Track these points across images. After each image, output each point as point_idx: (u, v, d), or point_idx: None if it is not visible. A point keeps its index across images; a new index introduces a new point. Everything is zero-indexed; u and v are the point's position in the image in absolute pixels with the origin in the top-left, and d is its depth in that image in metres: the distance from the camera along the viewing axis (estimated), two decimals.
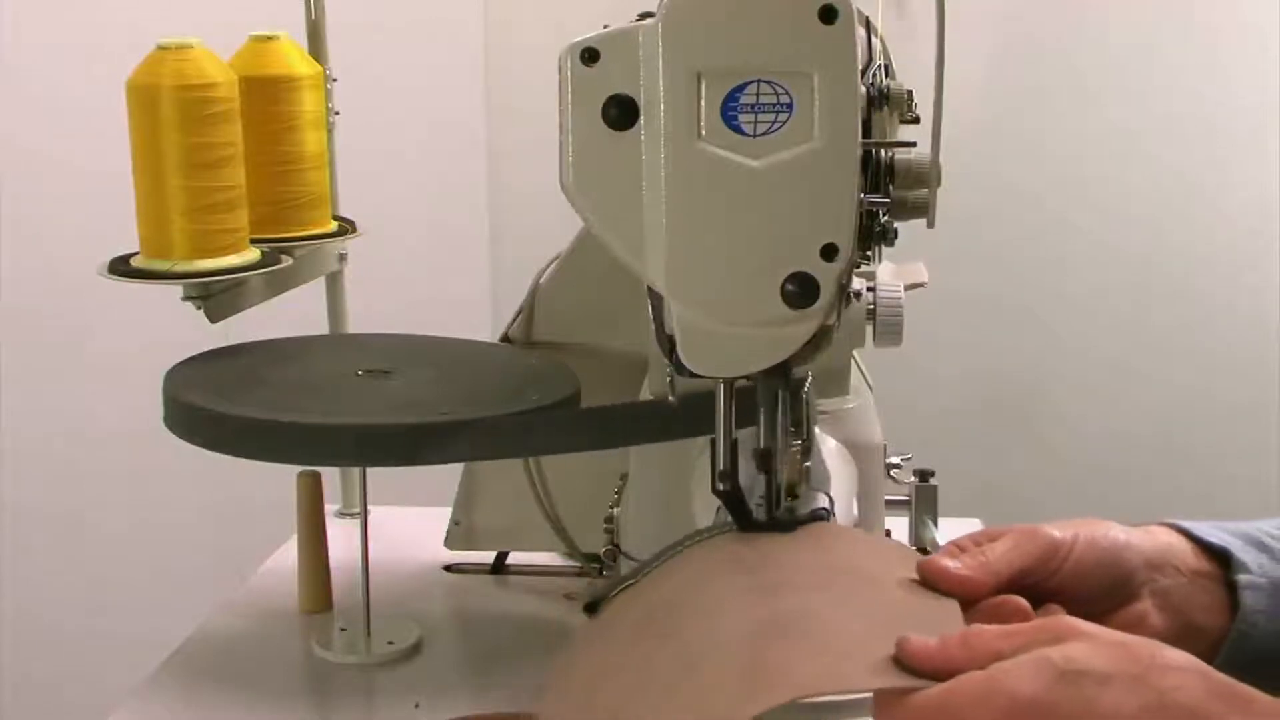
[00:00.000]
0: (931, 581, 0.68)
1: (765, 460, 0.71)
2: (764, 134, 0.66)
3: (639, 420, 0.99)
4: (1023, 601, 0.68)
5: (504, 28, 2.14)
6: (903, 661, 0.58)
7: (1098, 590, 0.73)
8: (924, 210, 0.77)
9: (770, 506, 0.71)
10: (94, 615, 2.17)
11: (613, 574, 1.09)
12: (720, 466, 0.70)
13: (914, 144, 0.77)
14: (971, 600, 0.68)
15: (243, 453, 0.99)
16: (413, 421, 0.98)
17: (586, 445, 1.02)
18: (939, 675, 0.57)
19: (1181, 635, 0.74)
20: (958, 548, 0.72)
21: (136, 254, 1.14)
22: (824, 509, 0.74)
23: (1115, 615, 0.74)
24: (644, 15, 0.69)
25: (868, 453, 1.00)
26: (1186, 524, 0.78)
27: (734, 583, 0.67)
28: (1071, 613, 0.68)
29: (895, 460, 1.05)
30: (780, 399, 0.71)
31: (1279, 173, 2.14)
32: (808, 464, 0.74)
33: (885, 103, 0.78)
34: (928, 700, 0.56)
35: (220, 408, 1.00)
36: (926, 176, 0.76)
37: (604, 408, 1.03)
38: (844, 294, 0.70)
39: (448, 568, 1.29)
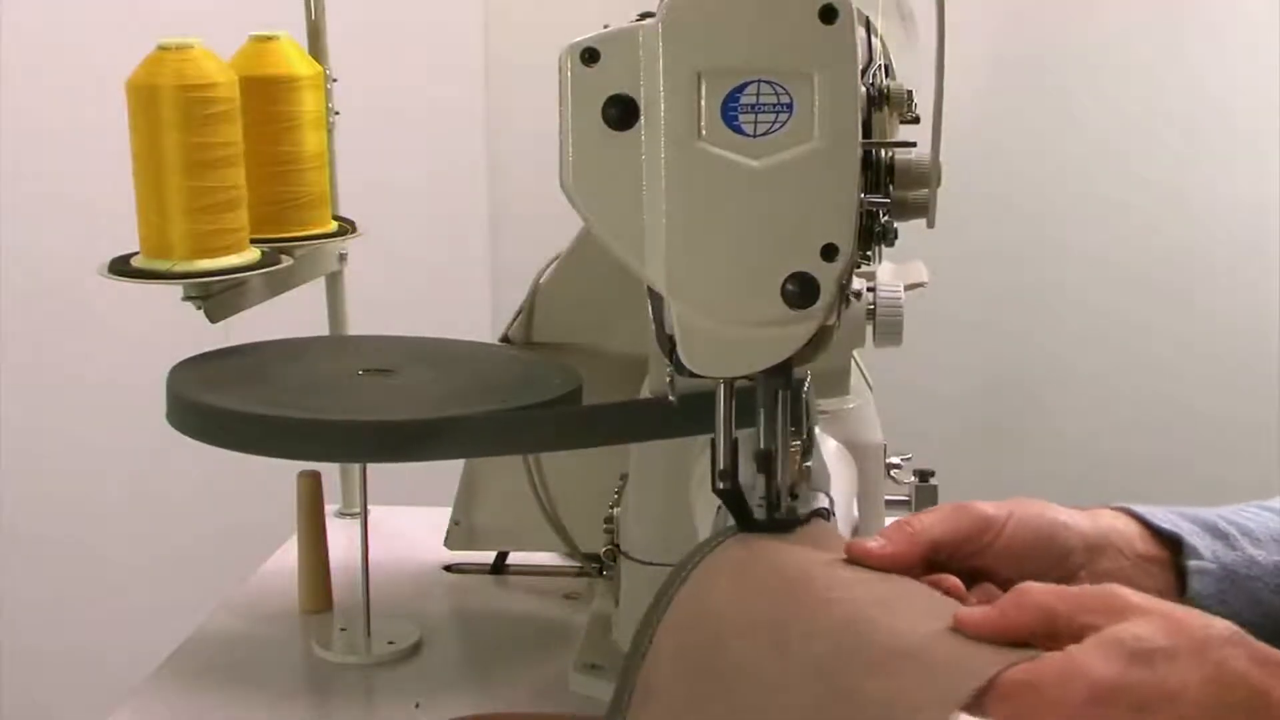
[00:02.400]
0: (859, 562, 0.68)
1: (765, 461, 0.71)
2: (764, 134, 0.66)
3: (637, 418, 0.99)
4: (955, 580, 0.69)
5: (504, 28, 2.14)
6: (967, 633, 0.60)
7: (1031, 569, 0.72)
8: (924, 210, 0.77)
9: (770, 507, 0.71)
10: (94, 615, 2.17)
11: (612, 574, 1.09)
12: (720, 465, 0.70)
13: (914, 144, 0.77)
14: (903, 573, 0.68)
15: (244, 448, 0.99)
16: (413, 417, 0.98)
17: (585, 442, 1.02)
18: (1003, 641, 0.60)
19: None
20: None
21: (136, 254, 1.14)
22: (824, 509, 0.74)
23: None
24: (644, 15, 0.69)
25: (868, 453, 1.00)
26: (1139, 508, 0.78)
27: (775, 611, 0.67)
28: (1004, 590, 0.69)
29: (895, 460, 1.05)
30: (780, 399, 0.71)
31: (1279, 173, 2.14)
32: (808, 464, 0.74)
33: (885, 103, 0.78)
34: (1014, 677, 0.57)
35: (222, 403, 1.00)
36: (927, 176, 0.76)
37: (602, 405, 1.03)
38: (844, 294, 0.70)
39: (448, 568, 1.29)
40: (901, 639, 0.61)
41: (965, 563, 0.72)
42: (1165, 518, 0.77)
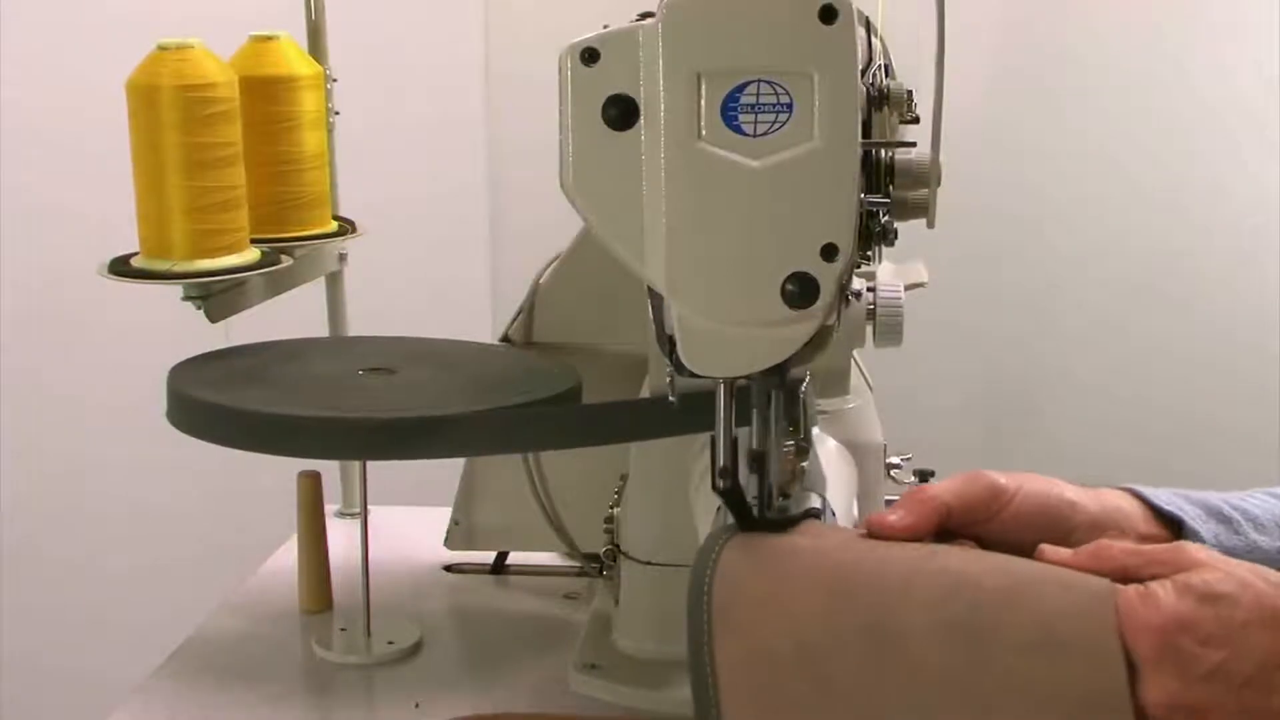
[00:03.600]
0: (880, 535, 0.70)
1: (758, 461, 0.71)
2: (764, 134, 0.66)
3: (637, 417, 0.99)
4: (972, 544, 0.71)
5: (504, 28, 2.14)
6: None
7: (1033, 541, 0.73)
8: (924, 210, 0.77)
9: (762, 506, 0.71)
10: (94, 615, 2.17)
11: (612, 574, 1.09)
12: (720, 464, 0.70)
13: (914, 144, 0.77)
14: (919, 540, 0.70)
15: (243, 445, 1.00)
16: (412, 415, 0.98)
17: (585, 442, 1.02)
18: None
19: None
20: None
21: (136, 254, 1.14)
22: (816, 509, 0.74)
23: None
24: (644, 15, 0.69)
25: (868, 453, 1.00)
26: (1144, 490, 0.79)
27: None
28: None
29: (895, 460, 1.05)
30: (774, 399, 0.71)
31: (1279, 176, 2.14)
32: (803, 464, 0.74)
33: (885, 103, 0.78)
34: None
35: (222, 400, 1.00)
36: (926, 176, 0.76)
37: (602, 405, 1.03)
38: (844, 294, 0.70)
39: (448, 568, 1.29)
40: (1011, 575, 0.66)
41: (971, 530, 0.73)
42: (1168, 499, 0.78)
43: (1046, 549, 0.68)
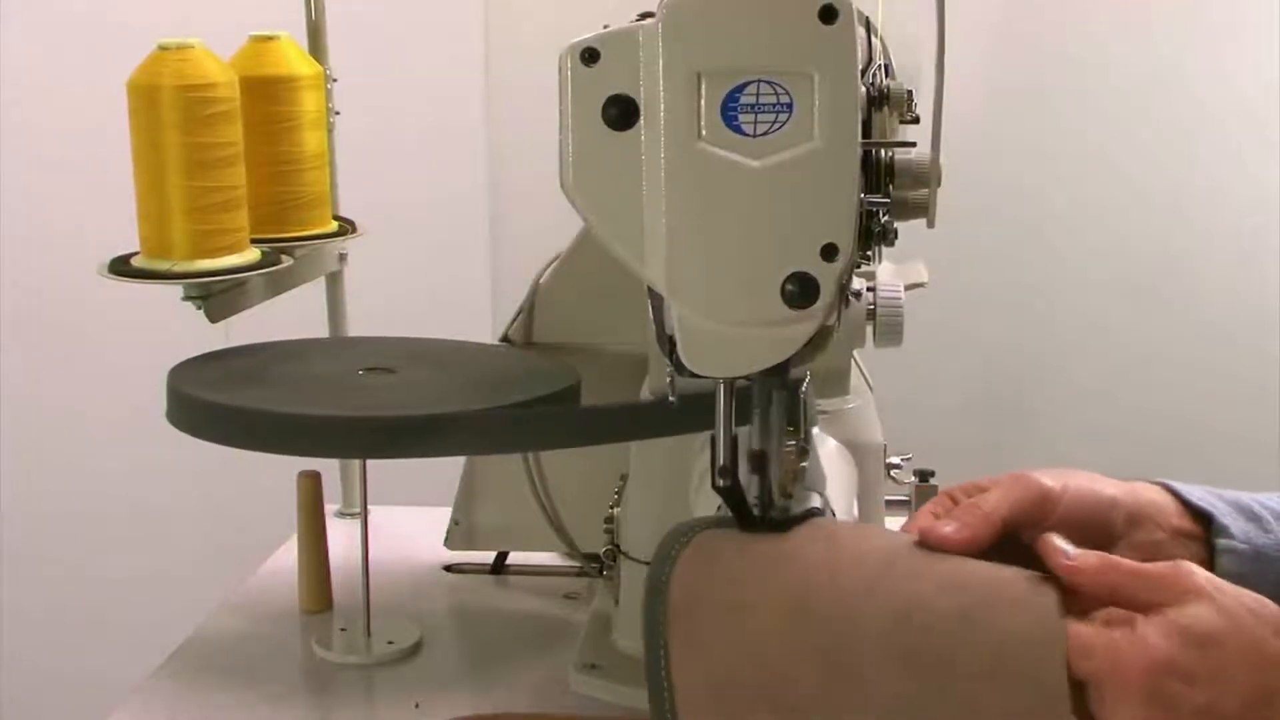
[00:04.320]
0: (934, 549, 0.70)
1: (759, 461, 0.71)
2: (764, 134, 0.66)
3: (636, 416, 0.99)
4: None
5: (504, 28, 2.14)
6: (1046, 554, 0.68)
7: (1078, 541, 0.74)
8: (924, 210, 0.77)
9: (764, 506, 0.71)
10: (94, 615, 2.17)
11: (612, 574, 1.09)
12: (721, 463, 0.70)
13: (914, 144, 0.77)
14: (975, 554, 0.70)
15: (242, 443, 0.99)
16: (412, 414, 0.98)
17: (584, 441, 1.01)
18: (1070, 583, 0.67)
19: None
20: (950, 499, 0.75)
21: (136, 254, 1.14)
22: (817, 509, 0.74)
23: None
24: (644, 15, 0.69)
25: (868, 453, 1.00)
26: (1177, 485, 0.80)
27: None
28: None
29: (895, 460, 1.05)
30: (775, 399, 0.71)
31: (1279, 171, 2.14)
32: (804, 464, 0.74)
33: (885, 103, 0.78)
34: (1092, 640, 0.64)
35: (221, 400, 1.00)
36: (927, 176, 0.76)
37: (602, 405, 1.03)
38: (844, 294, 0.70)
39: (448, 568, 1.29)
40: (965, 592, 0.65)
41: (1020, 536, 0.73)
42: (1201, 496, 0.79)
43: (1055, 540, 0.68)
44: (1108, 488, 0.77)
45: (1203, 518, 0.78)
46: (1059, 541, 0.68)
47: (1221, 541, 0.77)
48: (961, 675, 0.64)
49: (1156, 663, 0.62)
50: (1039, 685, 0.63)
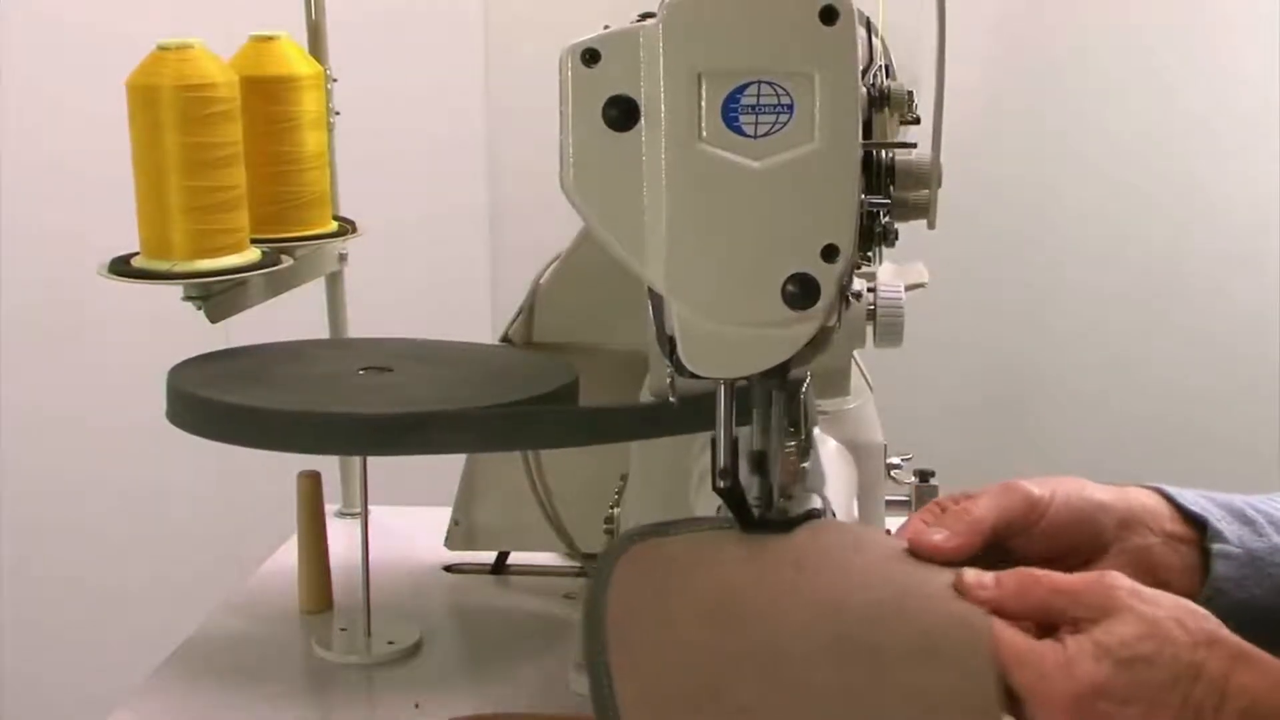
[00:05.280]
0: (925, 557, 0.70)
1: (759, 461, 0.71)
2: (765, 135, 0.66)
3: (635, 416, 0.99)
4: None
5: (504, 28, 2.14)
6: (965, 592, 0.67)
7: (1066, 546, 0.75)
8: (925, 211, 0.77)
9: (765, 507, 0.71)
10: (94, 615, 2.17)
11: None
12: (721, 464, 0.70)
13: (915, 145, 0.77)
14: (965, 562, 0.70)
15: (239, 441, 0.99)
16: (410, 410, 0.98)
17: (583, 440, 1.01)
18: (996, 612, 0.66)
19: None
20: (940, 508, 0.75)
21: (136, 254, 1.14)
22: (818, 509, 0.74)
23: (1077, 570, 0.75)
24: (644, 15, 0.69)
25: (868, 453, 1.00)
26: (1170, 489, 0.80)
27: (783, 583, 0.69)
28: (1035, 566, 0.72)
29: (895, 460, 1.05)
30: (775, 399, 0.71)
31: (1279, 171, 2.14)
32: (804, 465, 0.74)
33: (886, 103, 0.78)
34: (1022, 653, 0.64)
35: (220, 397, 1.00)
36: (927, 177, 0.76)
37: (598, 405, 1.03)
38: (844, 295, 0.70)
39: (448, 568, 1.29)
40: (892, 585, 0.66)
41: (1006, 542, 0.74)
42: (1194, 500, 0.79)
43: (968, 578, 0.68)
44: (1097, 493, 0.78)
45: (1196, 522, 0.78)
46: (973, 576, 0.68)
47: (1216, 546, 0.77)
48: (891, 660, 0.64)
49: (1085, 688, 0.63)
50: (966, 666, 0.63)
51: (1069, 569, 0.74)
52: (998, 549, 0.73)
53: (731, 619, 0.67)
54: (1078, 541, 0.76)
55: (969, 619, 0.65)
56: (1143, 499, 0.79)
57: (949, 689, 0.63)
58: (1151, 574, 0.76)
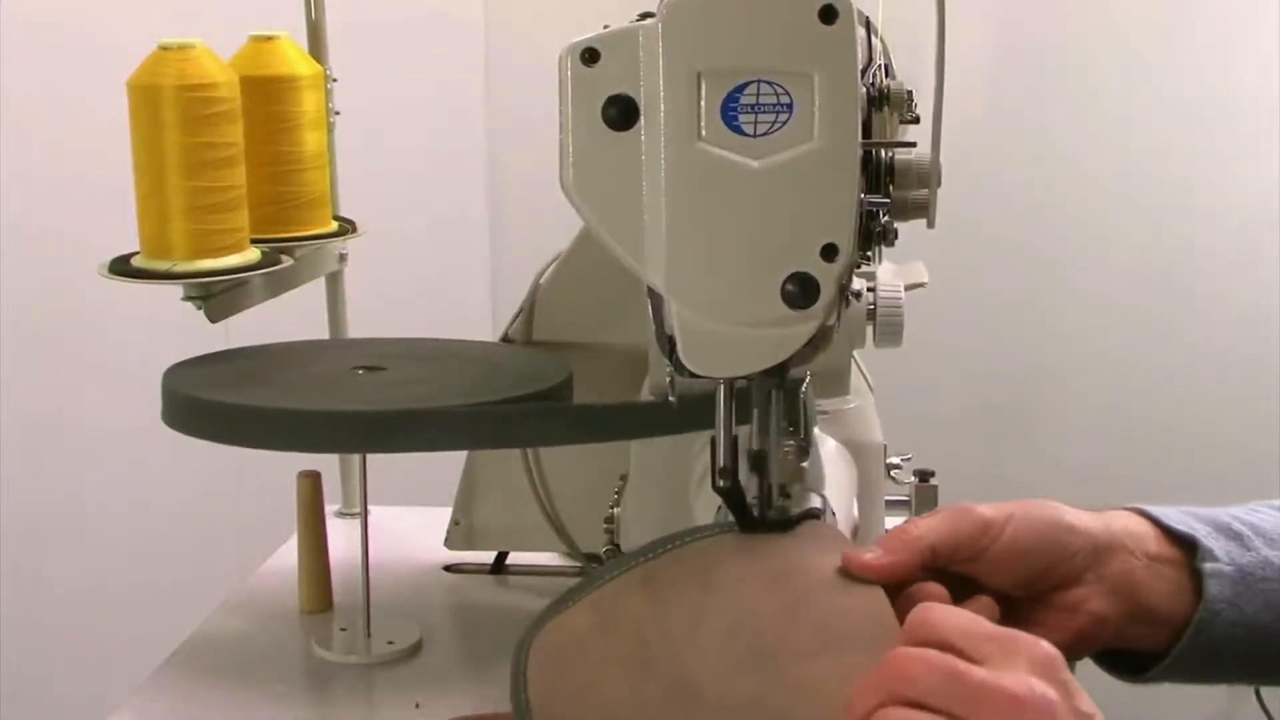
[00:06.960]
0: (856, 574, 0.68)
1: (758, 461, 0.71)
2: (764, 134, 0.66)
3: (635, 416, 0.99)
4: (940, 588, 0.69)
5: (504, 28, 2.14)
6: None
7: (1032, 571, 0.73)
8: (924, 210, 0.77)
9: (763, 506, 0.71)
10: (94, 615, 2.17)
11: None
12: (721, 464, 0.70)
13: (914, 144, 0.77)
14: (903, 581, 0.69)
15: (234, 440, 0.99)
16: (405, 408, 0.98)
17: (582, 438, 1.01)
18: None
19: (1134, 619, 0.75)
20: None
21: (136, 254, 1.14)
22: (817, 509, 0.74)
23: (1052, 597, 0.74)
24: (644, 15, 0.69)
25: (868, 453, 1.00)
26: (1153, 509, 0.78)
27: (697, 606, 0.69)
28: (1005, 594, 0.72)
29: (895, 460, 1.05)
30: (774, 399, 0.71)
31: (1278, 175, 2.14)
32: (804, 464, 0.74)
33: (885, 103, 0.78)
34: None
35: (215, 397, 1.00)
36: (927, 177, 0.76)
37: (597, 403, 1.03)
38: (844, 294, 0.70)
39: (448, 568, 1.29)
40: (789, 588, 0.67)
41: (961, 567, 0.72)
42: (1179, 519, 0.77)
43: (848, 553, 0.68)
44: (1068, 515, 0.74)
45: (1183, 542, 0.76)
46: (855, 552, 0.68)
47: (1207, 566, 0.75)
48: (791, 660, 0.64)
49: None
50: (872, 648, 0.62)
51: (1038, 595, 0.73)
52: (956, 577, 0.71)
53: (643, 662, 0.67)
54: (1044, 565, 0.73)
55: (868, 602, 0.64)
56: (1124, 521, 0.77)
57: (857, 671, 0.62)
58: (1134, 599, 0.74)
